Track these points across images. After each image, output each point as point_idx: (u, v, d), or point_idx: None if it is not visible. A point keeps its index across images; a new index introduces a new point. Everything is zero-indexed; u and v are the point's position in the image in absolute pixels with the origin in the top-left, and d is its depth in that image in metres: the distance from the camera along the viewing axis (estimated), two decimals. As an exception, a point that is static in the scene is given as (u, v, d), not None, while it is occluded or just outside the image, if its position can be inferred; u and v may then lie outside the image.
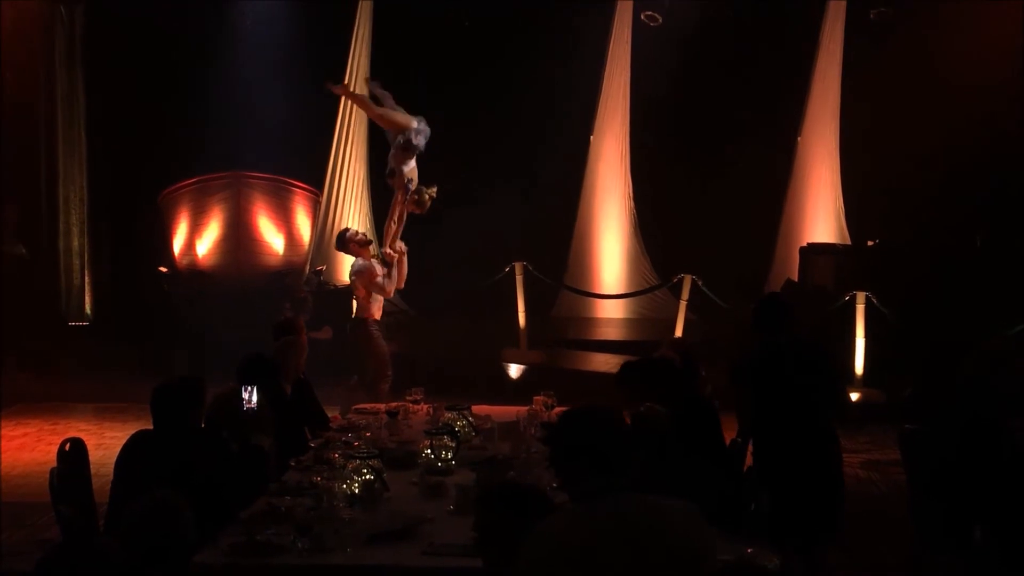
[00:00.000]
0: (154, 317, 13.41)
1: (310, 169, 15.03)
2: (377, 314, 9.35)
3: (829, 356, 6.47)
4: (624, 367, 6.03)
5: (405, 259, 9.42)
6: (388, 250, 9.35)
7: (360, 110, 12.57)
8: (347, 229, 9.77)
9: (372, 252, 9.37)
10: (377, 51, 15.07)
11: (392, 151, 9.57)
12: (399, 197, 9.48)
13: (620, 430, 3.49)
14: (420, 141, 9.48)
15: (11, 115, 14.44)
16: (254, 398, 5.59)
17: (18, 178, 14.40)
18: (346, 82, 14.64)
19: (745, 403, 6.12)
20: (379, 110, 9.64)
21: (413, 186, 9.42)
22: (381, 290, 9.21)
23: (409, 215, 9.53)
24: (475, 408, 6.73)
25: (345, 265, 14.72)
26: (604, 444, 3.37)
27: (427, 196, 9.43)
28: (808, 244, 14.15)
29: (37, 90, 14.88)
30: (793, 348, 6.04)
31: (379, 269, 9.21)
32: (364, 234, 9.47)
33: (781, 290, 13.91)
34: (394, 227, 9.46)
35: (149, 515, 3.86)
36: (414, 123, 9.47)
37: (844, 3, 14.87)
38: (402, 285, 9.56)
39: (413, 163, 9.50)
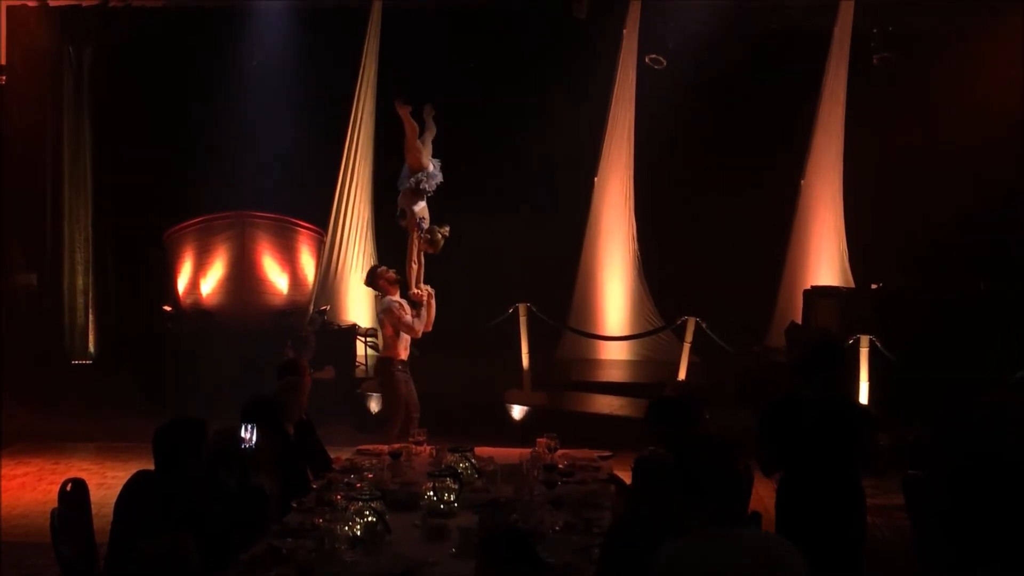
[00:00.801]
0: (158, 356, 13.40)
1: (314, 209, 15.07)
2: (403, 354, 9.28)
3: (864, 412, 6.01)
4: (653, 405, 6.00)
5: (433, 301, 9.43)
6: (416, 291, 9.34)
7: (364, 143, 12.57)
8: (378, 265, 9.75)
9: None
10: (382, 93, 15.15)
11: (401, 193, 9.58)
12: (414, 238, 9.47)
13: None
14: (430, 186, 9.49)
15: (18, 153, 14.53)
16: (253, 437, 5.58)
17: (24, 216, 14.46)
18: (351, 126, 14.79)
19: (768, 452, 5.74)
20: (417, 143, 9.59)
21: (426, 224, 9.43)
22: (409, 329, 9.17)
23: (426, 255, 9.55)
24: (478, 450, 6.71)
25: (349, 305, 14.85)
26: (735, 475, 3.47)
27: (439, 235, 9.43)
28: (812, 287, 14.14)
29: (44, 129, 14.99)
30: (825, 403, 5.61)
31: (407, 308, 9.22)
32: (395, 272, 9.41)
33: (785, 333, 13.91)
34: (415, 267, 9.46)
35: (157, 558, 3.83)
36: (429, 166, 9.49)
37: (847, 48, 14.94)
38: (430, 327, 9.47)
39: (423, 203, 9.51)
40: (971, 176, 13.56)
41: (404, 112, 9.46)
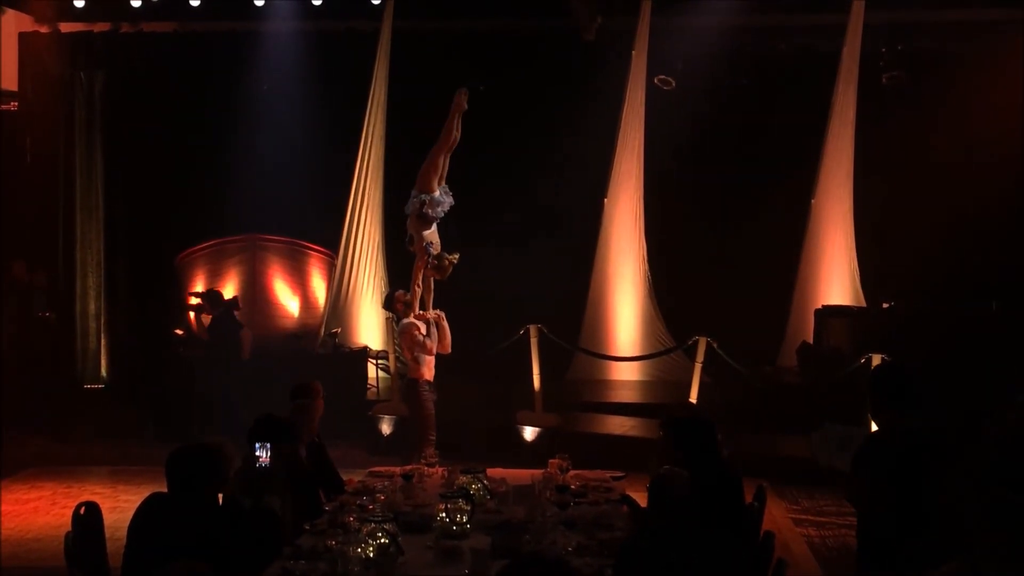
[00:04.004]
0: (169, 380, 13.42)
1: (325, 232, 15.11)
2: (428, 375, 9.48)
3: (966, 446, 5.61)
4: (667, 425, 5.99)
5: (445, 323, 9.59)
6: (416, 316, 9.43)
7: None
8: (395, 290, 9.95)
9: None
10: (392, 115, 15.21)
11: (409, 218, 9.63)
12: (419, 262, 9.55)
13: None
14: (435, 212, 9.54)
15: (31, 179, 14.61)
16: (267, 456, 5.60)
17: (37, 241, 14.53)
18: (361, 148, 14.83)
19: (866, 495, 5.32)
20: (439, 160, 9.66)
21: (435, 250, 9.49)
22: (423, 348, 9.36)
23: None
24: (490, 471, 6.72)
25: (360, 328, 14.86)
26: None
27: (447, 262, 9.50)
28: (823, 306, 14.13)
29: (56, 154, 15.07)
30: (928, 439, 5.23)
31: (421, 327, 9.38)
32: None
33: (797, 352, 13.89)
34: (418, 291, 9.55)
35: None
36: (436, 190, 9.53)
37: (856, 68, 14.96)
38: (448, 349, 9.63)
39: (433, 228, 9.58)
40: (982, 195, 13.56)
41: (459, 105, 9.71)
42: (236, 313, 13.37)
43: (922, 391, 5.33)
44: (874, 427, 5.74)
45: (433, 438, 9.20)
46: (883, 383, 5.41)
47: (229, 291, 14.29)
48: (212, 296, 13.46)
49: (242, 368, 12.84)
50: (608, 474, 7.01)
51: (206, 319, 13.50)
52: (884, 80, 14.77)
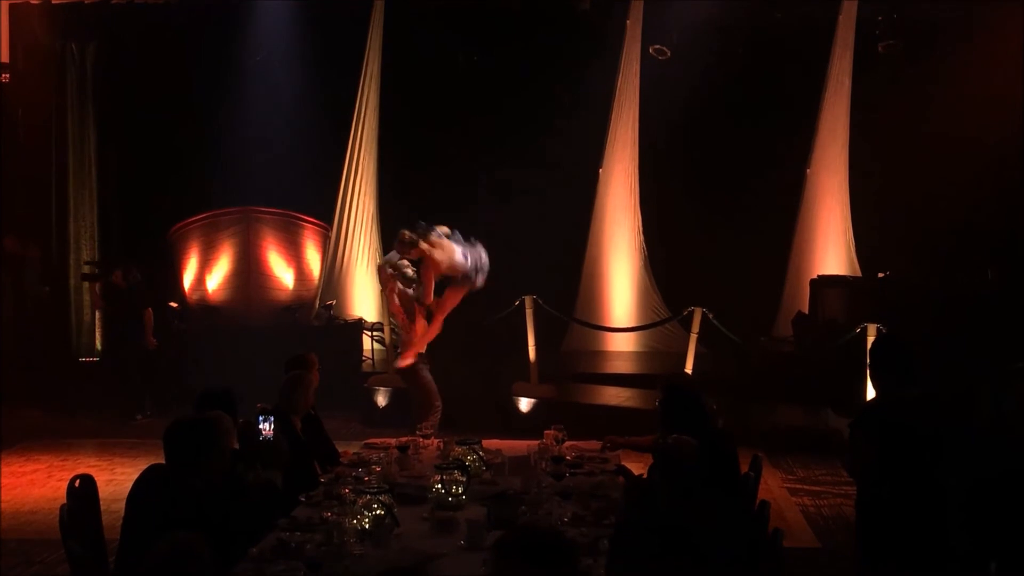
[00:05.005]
0: (164, 353, 13.40)
1: (319, 204, 15.07)
2: (421, 347, 9.54)
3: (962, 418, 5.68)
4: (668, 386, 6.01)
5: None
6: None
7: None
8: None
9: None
10: (386, 86, 15.15)
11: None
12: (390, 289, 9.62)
13: None
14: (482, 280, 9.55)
15: (22, 151, 14.53)
16: (269, 429, 5.60)
17: (29, 214, 14.47)
18: (355, 120, 14.75)
19: (863, 454, 5.37)
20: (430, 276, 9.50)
21: (410, 272, 9.52)
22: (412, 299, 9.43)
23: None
24: (485, 442, 6.71)
25: (355, 299, 14.85)
26: None
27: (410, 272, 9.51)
28: (819, 276, 14.13)
29: (48, 126, 14.99)
30: (925, 407, 5.31)
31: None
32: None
33: (792, 323, 13.91)
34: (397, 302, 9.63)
35: (170, 559, 3.81)
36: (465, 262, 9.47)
37: (852, 36, 14.90)
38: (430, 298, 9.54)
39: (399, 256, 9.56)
40: (978, 164, 13.53)
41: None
42: (172, 308, 13.42)
43: (918, 361, 5.37)
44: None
45: (439, 404, 9.31)
46: (881, 353, 5.48)
47: (224, 264, 14.27)
48: (104, 267, 13.46)
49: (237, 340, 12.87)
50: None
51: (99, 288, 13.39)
52: (880, 49, 14.71)
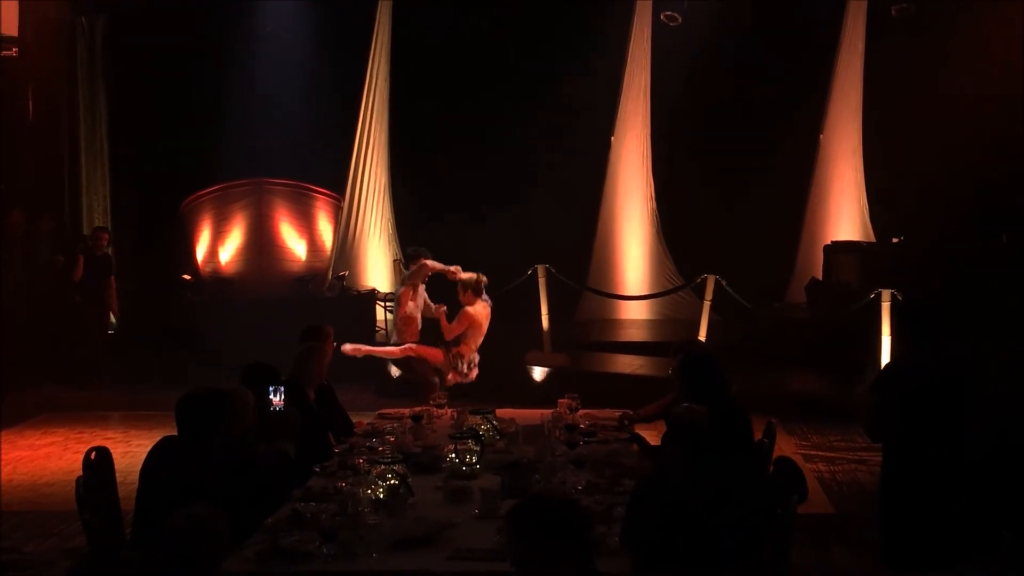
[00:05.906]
0: (178, 325, 13.45)
1: (331, 174, 15.04)
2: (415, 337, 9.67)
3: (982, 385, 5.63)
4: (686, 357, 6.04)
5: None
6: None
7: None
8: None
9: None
10: (397, 55, 15.09)
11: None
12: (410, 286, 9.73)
13: None
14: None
15: (34, 126, 14.52)
16: (280, 400, 5.62)
17: (42, 189, 14.48)
18: (366, 90, 14.72)
19: (882, 414, 5.40)
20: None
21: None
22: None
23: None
24: (499, 411, 6.72)
25: (368, 270, 14.84)
26: None
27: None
28: (832, 242, 14.09)
29: (59, 101, 14.97)
30: (948, 371, 5.33)
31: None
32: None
33: (806, 289, 13.87)
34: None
35: (187, 532, 3.83)
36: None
37: (865, 0, 14.79)
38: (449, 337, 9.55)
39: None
40: (992, 129, 13.41)
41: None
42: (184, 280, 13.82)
43: (942, 325, 5.42)
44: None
45: (436, 382, 9.33)
46: (905, 315, 5.57)
47: (236, 236, 14.30)
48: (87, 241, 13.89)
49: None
50: (618, 413, 7.00)
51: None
52: (893, 12, 14.58)
